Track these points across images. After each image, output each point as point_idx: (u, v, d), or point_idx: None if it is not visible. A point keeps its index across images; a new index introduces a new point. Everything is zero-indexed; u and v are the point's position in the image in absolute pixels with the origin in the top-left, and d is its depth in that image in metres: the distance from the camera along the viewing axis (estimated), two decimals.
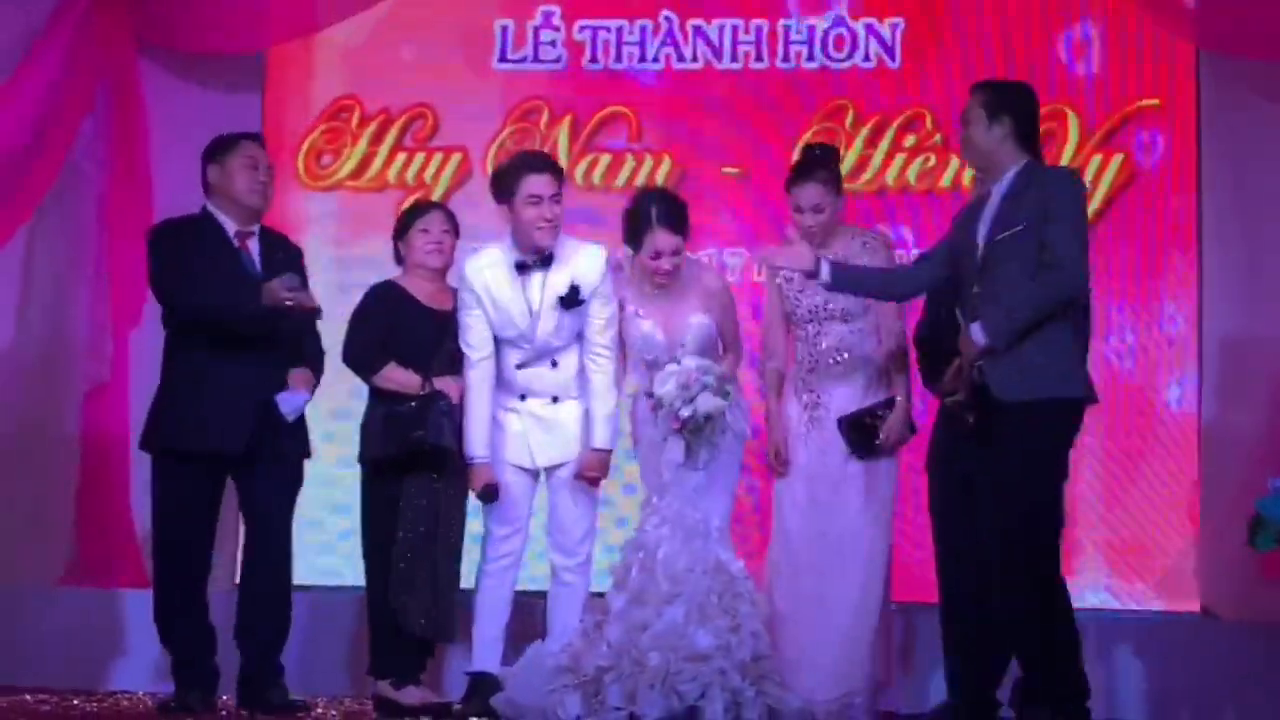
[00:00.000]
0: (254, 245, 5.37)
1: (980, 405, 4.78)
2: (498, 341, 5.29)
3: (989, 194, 4.85)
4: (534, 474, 5.35)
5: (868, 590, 5.30)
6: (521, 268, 5.25)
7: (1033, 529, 4.73)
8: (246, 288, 5.20)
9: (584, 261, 5.28)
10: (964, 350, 4.78)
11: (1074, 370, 4.78)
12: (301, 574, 5.59)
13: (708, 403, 5.01)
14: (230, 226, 5.33)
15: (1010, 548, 4.71)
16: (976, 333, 4.71)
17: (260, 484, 5.30)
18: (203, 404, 5.21)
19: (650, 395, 5.09)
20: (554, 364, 5.30)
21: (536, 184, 5.21)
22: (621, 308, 5.35)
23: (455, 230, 5.54)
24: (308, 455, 5.43)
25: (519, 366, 5.29)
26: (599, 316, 5.29)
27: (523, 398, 5.31)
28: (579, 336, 5.30)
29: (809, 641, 5.24)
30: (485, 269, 5.27)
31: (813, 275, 5.04)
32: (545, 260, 5.25)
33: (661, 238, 5.24)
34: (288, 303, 5.13)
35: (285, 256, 5.39)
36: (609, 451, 5.34)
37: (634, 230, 5.29)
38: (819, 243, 5.29)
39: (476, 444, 5.26)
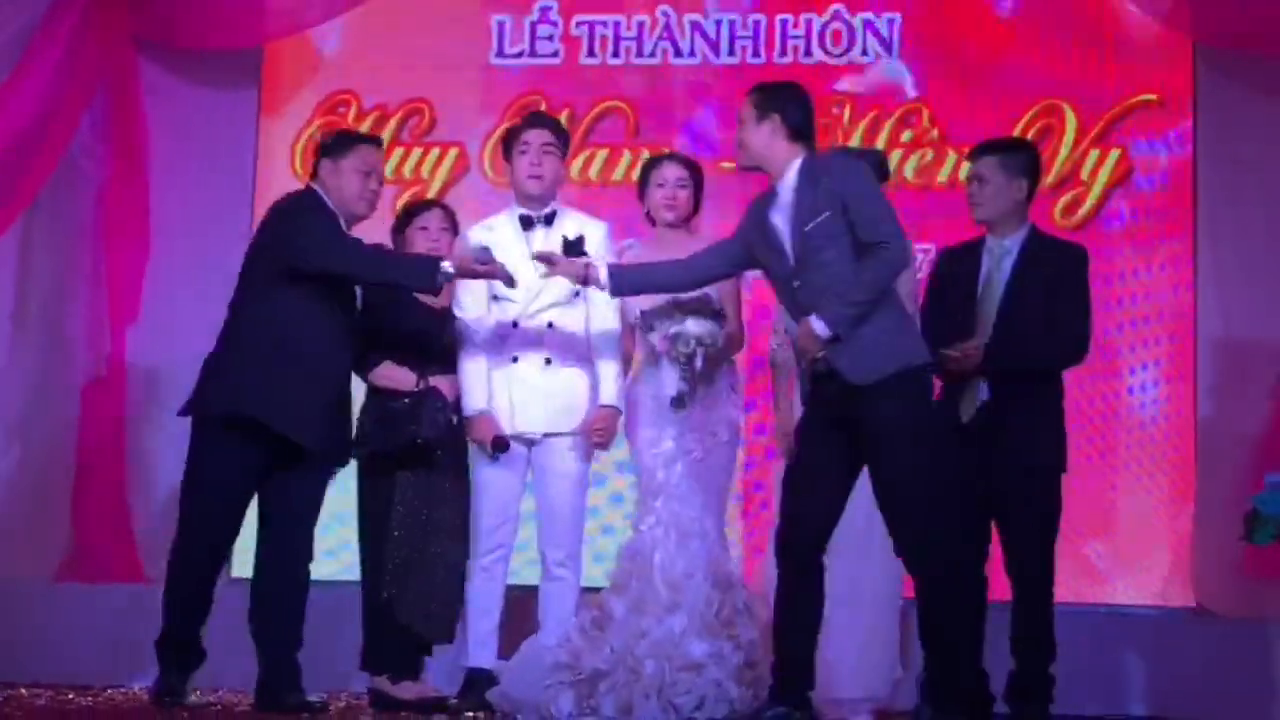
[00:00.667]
0: None
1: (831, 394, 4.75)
2: (495, 301, 5.29)
3: (774, 191, 4.86)
4: (524, 456, 5.33)
5: (897, 579, 5.26)
6: (525, 223, 5.31)
7: (921, 499, 4.62)
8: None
9: (588, 223, 5.36)
10: (806, 346, 4.75)
11: (915, 340, 4.82)
12: None
13: (698, 325, 4.99)
14: None
15: (910, 526, 4.66)
16: (818, 325, 4.65)
17: (297, 480, 5.16)
18: (293, 386, 4.99)
19: (648, 326, 5.05)
20: (550, 325, 5.30)
21: (527, 135, 5.32)
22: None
23: (454, 228, 5.54)
24: (347, 460, 5.28)
25: (515, 325, 5.29)
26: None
27: (514, 360, 5.30)
28: (576, 297, 5.30)
29: (839, 637, 5.16)
30: (488, 228, 5.34)
31: (586, 283, 5.05)
32: (548, 218, 5.31)
33: (667, 168, 5.35)
34: (481, 270, 5.02)
35: None
36: (617, 410, 5.26)
37: (643, 176, 5.39)
38: None
39: (476, 397, 5.23)
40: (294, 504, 5.15)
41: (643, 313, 5.07)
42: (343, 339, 5.11)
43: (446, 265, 5.02)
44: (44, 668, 6.10)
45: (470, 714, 5.08)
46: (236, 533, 5.18)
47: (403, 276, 5.11)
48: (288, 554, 5.19)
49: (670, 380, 5.03)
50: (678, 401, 5.01)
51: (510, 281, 5.07)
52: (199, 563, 5.11)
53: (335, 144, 5.23)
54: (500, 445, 5.19)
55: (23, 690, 5.70)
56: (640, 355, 5.35)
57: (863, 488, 5.09)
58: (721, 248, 5.05)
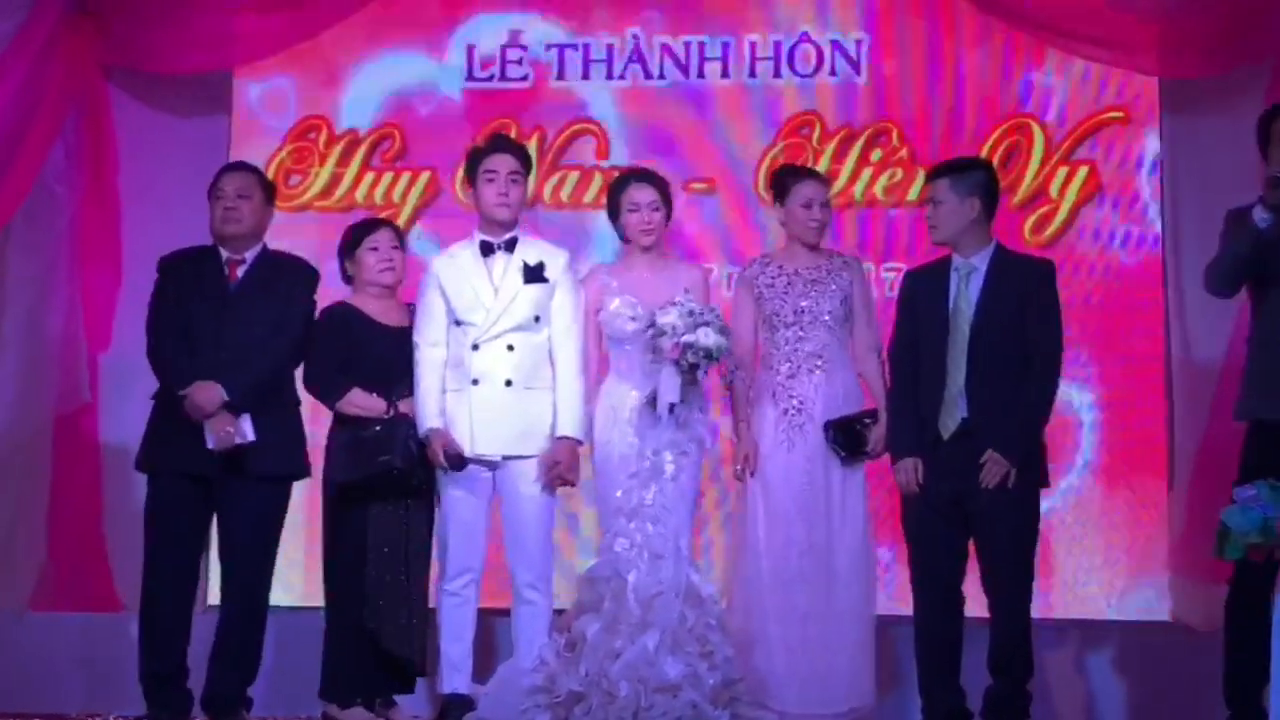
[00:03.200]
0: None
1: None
2: (456, 326, 5.29)
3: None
4: (489, 479, 5.32)
5: (866, 600, 5.32)
6: (486, 249, 5.33)
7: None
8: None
9: (549, 250, 5.40)
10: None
11: None
12: None
13: (709, 337, 5.00)
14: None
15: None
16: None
17: (232, 506, 5.31)
18: (179, 424, 5.26)
19: (651, 327, 5.03)
20: (510, 347, 5.30)
21: (492, 161, 5.35)
22: (603, 293, 5.37)
23: (403, 245, 5.58)
24: (297, 476, 5.43)
25: (474, 348, 5.28)
26: (563, 304, 5.33)
27: (475, 383, 5.29)
28: (537, 321, 5.30)
29: (820, 657, 5.24)
30: (450, 255, 5.39)
31: None
32: (509, 244, 5.33)
33: (637, 191, 5.40)
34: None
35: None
36: (576, 441, 5.28)
37: (613, 198, 5.44)
38: (812, 245, 5.47)
39: (429, 414, 5.23)
40: (235, 528, 5.31)
41: (655, 315, 5.07)
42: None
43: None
44: (19, 697, 6.07)
45: None
46: (189, 568, 5.34)
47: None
48: (234, 581, 5.35)
49: (670, 386, 5.03)
50: (671, 409, 5.03)
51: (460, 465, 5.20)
52: (158, 598, 5.28)
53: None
54: (455, 462, 5.18)
55: None
56: (612, 370, 5.37)
57: (836, 512, 5.16)
58: None
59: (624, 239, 5.49)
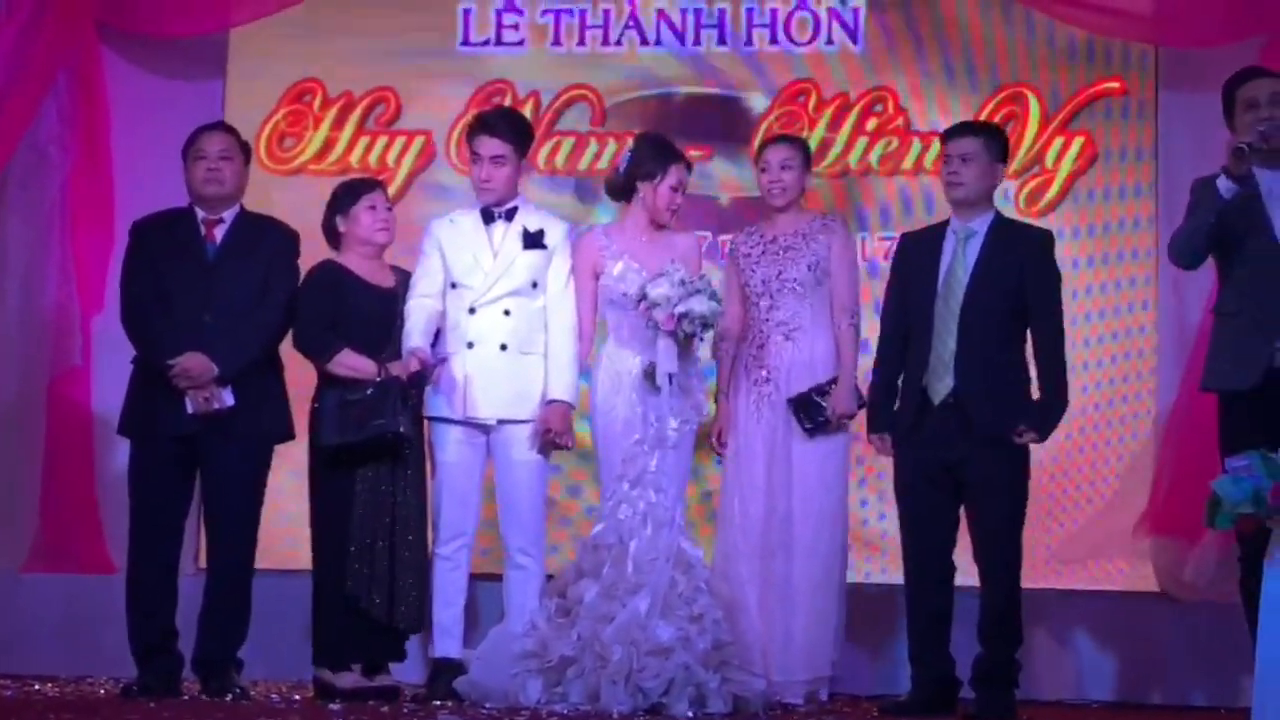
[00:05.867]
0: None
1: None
2: (453, 289, 5.29)
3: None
4: (482, 444, 5.31)
5: (830, 569, 5.35)
6: (487, 216, 5.37)
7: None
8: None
9: (549, 220, 5.43)
10: None
11: None
12: None
13: (702, 304, 5.03)
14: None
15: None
16: None
17: (215, 467, 5.31)
18: (160, 389, 5.26)
19: (644, 299, 5.08)
20: (506, 312, 5.30)
21: (477, 143, 5.41)
22: (601, 255, 5.38)
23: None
24: (280, 438, 5.42)
25: (470, 311, 5.28)
26: (560, 271, 5.35)
27: (470, 346, 5.28)
28: (534, 287, 5.29)
29: (781, 625, 5.31)
30: (452, 219, 5.42)
31: None
32: (509, 213, 5.36)
33: (680, 172, 5.43)
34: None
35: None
36: (568, 405, 5.29)
37: (660, 156, 5.40)
38: (778, 209, 5.49)
39: (414, 335, 5.24)
40: (218, 488, 5.33)
41: (646, 288, 5.08)
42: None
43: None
44: (11, 659, 6.11)
45: (438, 703, 5.09)
46: (174, 530, 5.36)
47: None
48: (220, 541, 5.37)
49: (668, 357, 5.06)
50: (670, 379, 5.05)
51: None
52: (143, 562, 5.33)
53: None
54: (416, 380, 5.14)
55: None
56: (613, 335, 5.37)
57: (799, 483, 5.18)
58: None
59: (653, 215, 5.43)
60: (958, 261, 5.22)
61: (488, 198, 5.36)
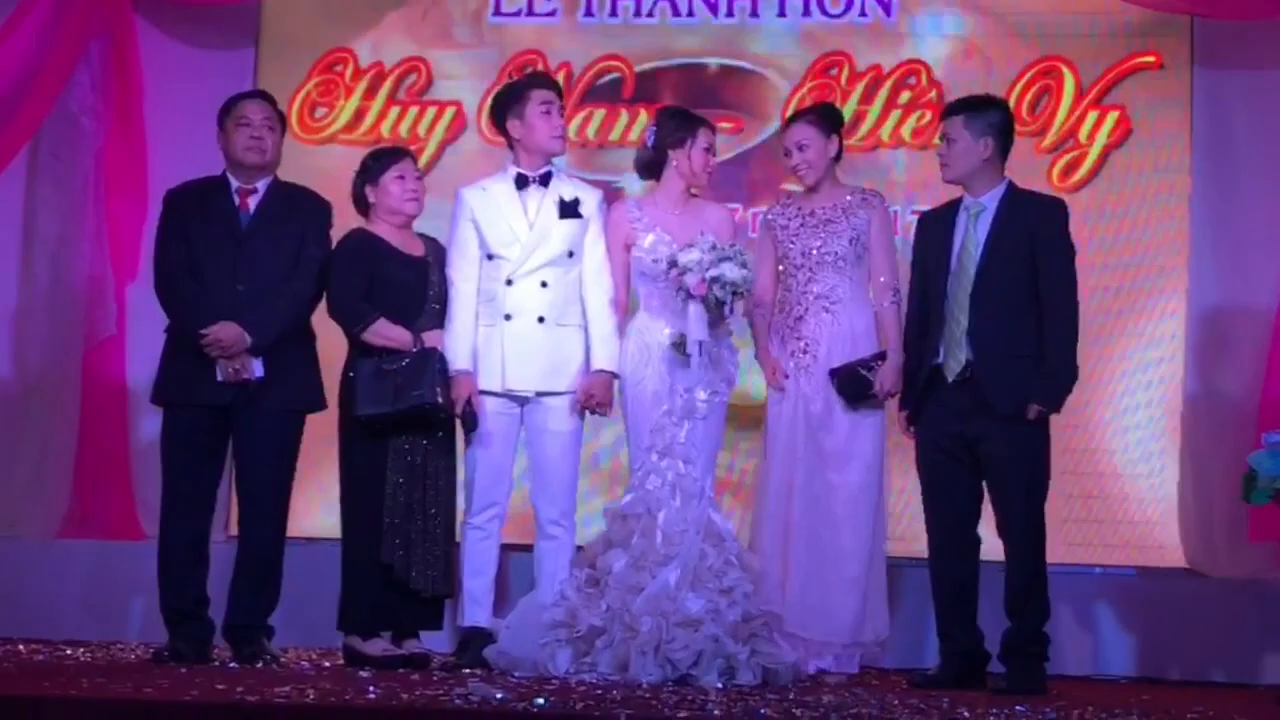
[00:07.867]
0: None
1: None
2: (489, 260, 5.30)
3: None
4: (517, 415, 5.34)
5: (865, 539, 5.35)
6: (521, 182, 5.32)
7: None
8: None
9: (583, 188, 5.41)
10: None
11: None
12: None
13: (734, 270, 5.02)
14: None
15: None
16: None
17: (249, 435, 5.33)
18: (193, 357, 5.26)
19: (674, 266, 5.07)
20: (544, 284, 5.30)
21: (548, 94, 5.34)
22: (632, 227, 5.37)
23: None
24: (311, 408, 5.43)
25: (508, 282, 5.29)
26: (596, 240, 5.34)
27: (508, 318, 5.30)
28: (570, 257, 5.31)
29: (825, 593, 5.31)
30: (483, 187, 5.37)
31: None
32: (543, 178, 5.32)
33: (708, 134, 5.41)
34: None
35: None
36: (611, 374, 5.30)
37: (686, 123, 5.39)
38: (809, 187, 5.46)
39: (461, 355, 5.24)
40: (249, 457, 5.33)
41: (676, 255, 5.08)
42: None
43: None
44: (43, 624, 6.15)
45: (467, 671, 5.11)
46: (206, 499, 5.36)
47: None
48: (252, 509, 5.36)
49: (698, 323, 5.05)
50: (700, 347, 5.05)
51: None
52: (175, 530, 5.32)
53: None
54: (469, 421, 5.21)
55: (21, 646, 5.74)
56: (645, 306, 5.37)
57: (838, 454, 5.18)
58: None
59: (685, 180, 5.42)
60: (969, 239, 5.20)
61: (562, 145, 5.40)
